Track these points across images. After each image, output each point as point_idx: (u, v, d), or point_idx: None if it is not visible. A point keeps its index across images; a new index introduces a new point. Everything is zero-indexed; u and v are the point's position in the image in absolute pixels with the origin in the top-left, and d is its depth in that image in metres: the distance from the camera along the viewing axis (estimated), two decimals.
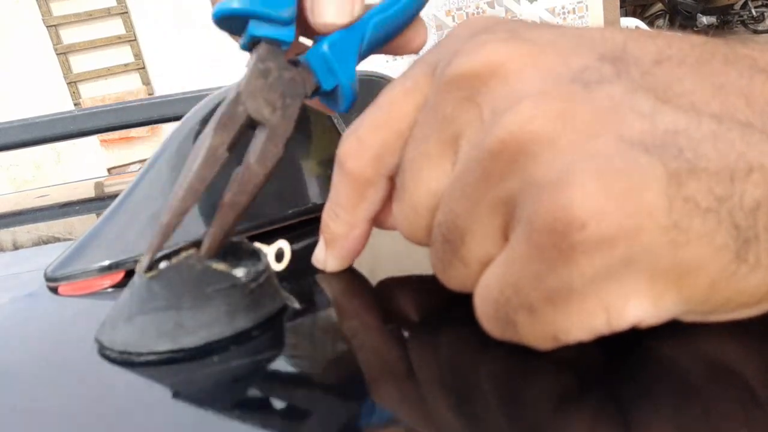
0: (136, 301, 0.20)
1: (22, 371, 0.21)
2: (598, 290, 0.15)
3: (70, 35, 3.03)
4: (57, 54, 3.01)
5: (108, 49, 3.06)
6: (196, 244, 0.21)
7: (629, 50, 0.16)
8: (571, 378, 0.15)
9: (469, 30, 0.20)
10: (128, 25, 3.04)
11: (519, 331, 0.16)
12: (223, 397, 0.17)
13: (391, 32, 0.24)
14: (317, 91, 0.23)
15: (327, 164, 0.33)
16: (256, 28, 0.21)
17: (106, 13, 3.02)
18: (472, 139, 0.18)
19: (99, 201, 0.58)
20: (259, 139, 0.22)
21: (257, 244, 0.22)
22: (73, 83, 3.04)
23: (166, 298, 0.20)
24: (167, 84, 3.01)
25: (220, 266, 0.20)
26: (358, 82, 0.24)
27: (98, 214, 0.40)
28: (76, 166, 2.95)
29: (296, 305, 0.22)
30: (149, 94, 3.03)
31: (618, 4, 3.16)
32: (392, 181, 0.21)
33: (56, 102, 2.87)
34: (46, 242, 0.44)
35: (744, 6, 5.84)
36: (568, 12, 3.12)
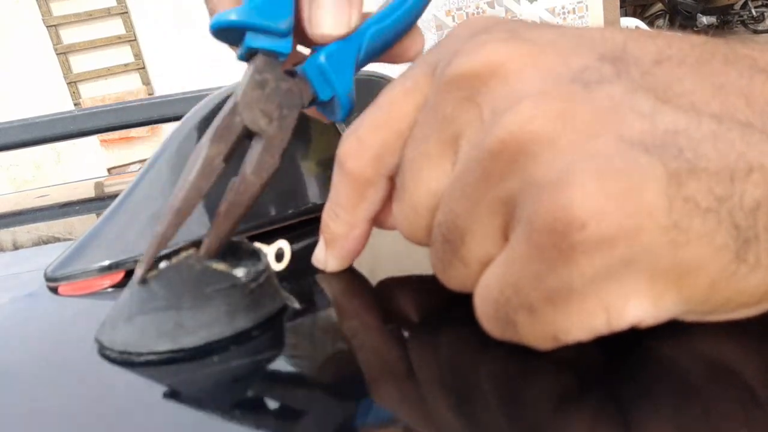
0: (136, 301, 0.20)
1: (22, 371, 0.21)
2: (598, 290, 0.15)
3: (70, 35, 3.03)
4: (57, 54, 3.00)
5: (108, 49, 3.06)
6: (196, 243, 0.21)
7: (629, 50, 0.16)
8: (571, 378, 0.15)
9: (469, 30, 0.20)
10: (128, 25, 3.04)
11: (519, 331, 0.16)
12: (223, 397, 0.17)
13: (388, 41, 0.24)
14: (314, 102, 0.23)
15: (327, 164, 0.33)
16: (253, 40, 0.21)
17: (106, 13, 3.02)
18: (472, 139, 0.18)
19: (99, 201, 0.58)
20: (255, 149, 0.22)
21: (257, 244, 0.22)
22: (73, 83, 3.04)
23: (166, 298, 0.20)
24: (167, 84, 3.01)
25: (220, 266, 0.20)
26: (359, 83, 0.24)
27: (98, 214, 0.40)
28: (76, 166, 2.95)
29: (296, 305, 0.22)
30: (149, 94, 3.03)
31: (618, 4, 3.16)
32: (392, 181, 0.21)
33: (56, 102, 2.87)
34: (46, 242, 0.44)
35: (744, 6, 5.84)
36: (568, 12, 3.12)
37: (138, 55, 3.08)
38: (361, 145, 0.21)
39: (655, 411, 0.13)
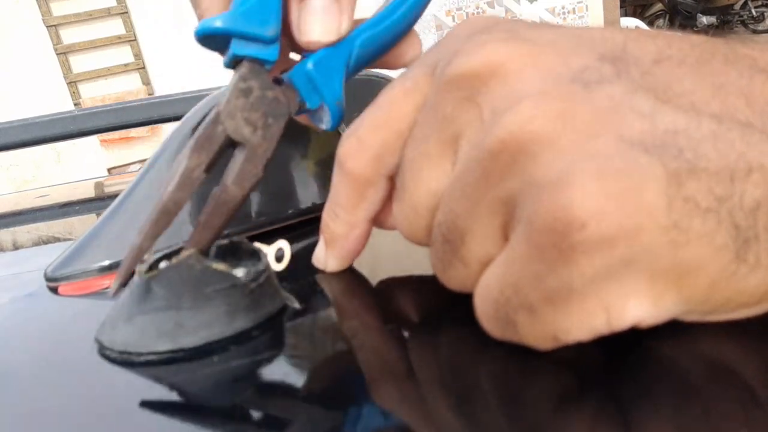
0: (136, 301, 0.20)
1: (22, 371, 0.21)
2: (598, 290, 0.15)
3: (70, 35, 3.02)
4: (57, 54, 3.00)
5: (108, 49, 3.06)
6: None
7: (629, 50, 0.16)
8: (571, 378, 0.15)
9: (468, 30, 0.20)
10: (128, 25, 3.04)
11: (519, 331, 0.16)
12: (223, 397, 0.17)
13: (382, 47, 0.24)
14: (302, 110, 0.23)
15: (327, 164, 0.33)
16: (238, 48, 0.21)
17: (106, 13, 3.01)
18: (472, 139, 0.18)
19: (99, 201, 0.58)
20: (237, 159, 0.21)
21: (257, 244, 0.22)
22: (73, 83, 3.04)
23: (166, 298, 0.20)
24: (167, 84, 3.01)
25: (220, 266, 0.20)
26: (359, 83, 0.24)
27: (98, 214, 0.40)
28: (76, 166, 2.95)
29: (296, 305, 0.22)
30: (149, 94, 3.03)
31: (618, 4, 3.16)
32: (392, 181, 0.21)
33: (56, 102, 2.86)
34: (46, 242, 0.44)
35: (744, 6, 5.84)
36: (568, 12, 3.12)
37: (138, 55, 3.08)
38: (361, 145, 0.21)
39: (655, 411, 0.13)
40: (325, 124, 0.24)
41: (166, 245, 0.21)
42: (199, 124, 0.30)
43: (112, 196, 0.36)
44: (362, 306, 0.23)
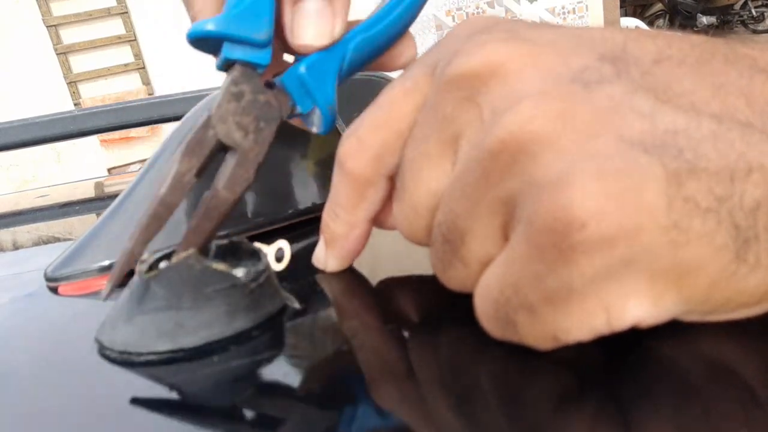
0: (136, 301, 0.20)
1: (22, 371, 0.21)
2: (598, 290, 0.15)
3: (70, 35, 3.02)
4: (57, 54, 3.00)
5: (108, 49, 3.05)
6: None
7: (629, 50, 0.16)
8: (571, 378, 0.15)
9: (468, 30, 0.20)
10: (128, 25, 3.04)
11: (519, 331, 0.16)
12: (223, 397, 0.17)
13: (377, 50, 0.23)
14: (294, 114, 0.23)
15: (327, 164, 0.33)
16: (230, 51, 0.21)
17: (106, 13, 3.01)
18: (472, 139, 0.18)
19: (99, 201, 0.58)
20: (229, 163, 0.21)
21: (257, 244, 0.22)
22: (73, 83, 3.04)
23: (166, 298, 0.20)
24: (167, 84, 3.01)
25: (220, 266, 0.20)
26: (359, 83, 0.24)
27: (98, 214, 0.40)
28: (76, 166, 2.95)
29: (296, 305, 0.22)
30: (149, 94, 3.03)
31: (618, 4, 3.16)
32: (392, 181, 0.21)
33: (56, 102, 2.86)
34: (46, 242, 0.44)
35: (744, 6, 5.84)
36: (568, 12, 3.12)
37: (138, 55, 3.08)
38: (361, 145, 0.21)
39: (655, 411, 0.13)
40: (318, 127, 0.24)
41: (166, 245, 0.21)
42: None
43: (112, 196, 0.36)
44: (362, 306, 0.23)
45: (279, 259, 0.25)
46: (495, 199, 0.16)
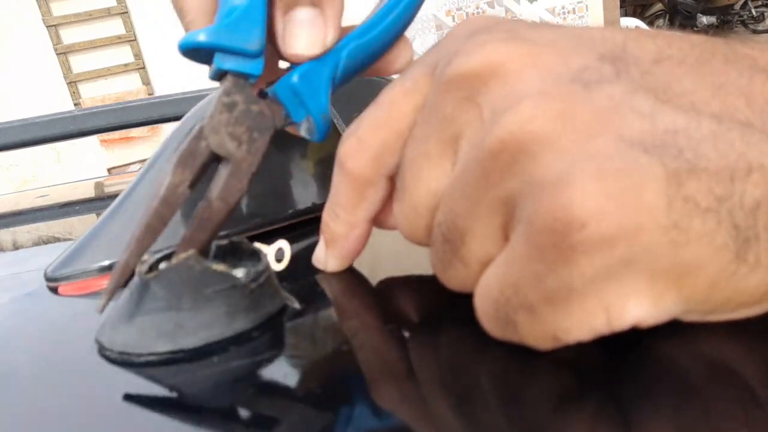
0: (136, 302, 0.20)
1: (22, 371, 0.21)
2: (598, 290, 0.15)
3: (70, 35, 3.02)
4: (57, 54, 3.00)
5: (108, 49, 3.05)
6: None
7: (629, 50, 0.16)
8: (571, 378, 0.15)
9: (468, 30, 0.20)
10: (128, 25, 3.04)
11: (519, 331, 0.16)
12: (223, 397, 0.17)
13: (370, 57, 0.23)
14: (288, 123, 0.23)
15: (327, 164, 0.33)
16: (222, 62, 0.20)
17: (106, 13, 3.01)
18: (472, 139, 0.18)
19: (99, 201, 0.58)
20: (222, 174, 0.21)
21: (257, 244, 0.22)
22: (73, 83, 3.04)
23: (166, 298, 0.20)
24: (167, 84, 3.01)
25: (219, 267, 0.20)
26: (359, 83, 0.24)
27: (98, 214, 0.40)
28: (76, 166, 2.95)
29: (296, 305, 0.22)
30: (149, 94, 3.03)
31: (618, 4, 3.16)
32: (392, 181, 0.21)
33: (56, 102, 2.86)
34: (46, 242, 0.44)
35: (744, 6, 5.83)
36: (568, 12, 3.12)
37: (138, 55, 3.08)
38: (361, 145, 0.21)
39: (655, 411, 0.13)
40: (311, 136, 0.23)
41: (166, 246, 0.21)
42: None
43: (112, 196, 0.36)
44: (362, 306, 0.23)
45: (279, 259, 0.25)
46: (495, 199, 0.16)
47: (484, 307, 0.17)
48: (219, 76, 0.21)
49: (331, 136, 0.24)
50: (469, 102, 0.18)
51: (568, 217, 0.14)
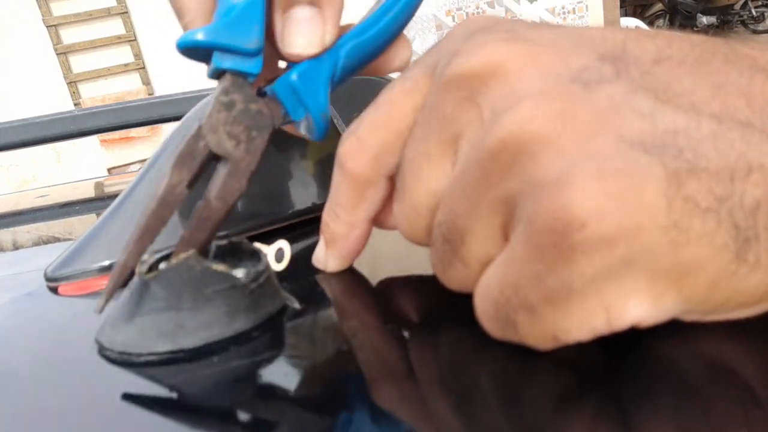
0: (136, 302, 0.20)
1: (22, 371, 0.21)
2: (598, 290, 0.15)
3: (70, 35, 3.02)
4: (57, 54, 3.00)
5: (108, 49, 3.05)
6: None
7: (629, 50, 0.16)
8: (571, 378, 0.15)
9: (468, 30, 0.20)
10: (128, 25, 3.04)
11: (519, 331, 0.16)
12: (223, 397, 0.17)
13: (369, 55, 0.23)
14: (286, 122, 0.22)
15: (327, 164, 0.33)
16: (220, 61, 0.20)
17: (106, 13, 3.01)
18: (472, 139, 0.18)
19: (99, 201, 0.58)
20: (220, 173, 0.21)
21: (257, 244, 0.22)
22: (73, 83, 3.04)
23: (166, 298, 0.20)
24: (167, 84, 3.01)
25: (219, 267, 0.20)
26: (359, 83, 0.24)
27: (98, 214, 0.40)
28: (76, 166, 2.95)
29: (296, 305, 0.22)
30: (149, 94, 3.03)
31: (618, 4, 3.16)
32: (392, 181, 0.21)
33: (56, 102, 2.86)
34: (46, 242, 0.44)
35: (744, 6, 5.83)
36: (568, 12, 3.12)
37: (138, 55, 3.08)
38: (361, 145, 0.21)
39: (655, 411, 0.13)
40: (311, 135, 0.23)
41: (166, 246, 0.21)
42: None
43: (112, 196, 0.36)
44: (362, 306, 0.23)
45: (279, 259, 0.25)
46: (495, 199, 0.16)
47: (484, 307, 0.17)
48: (217, 74, 0.21)
49: (331, 136, 0.24)
50: (469, 102, 0.18)
51: (568, 217, 0.14)
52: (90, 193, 0.65)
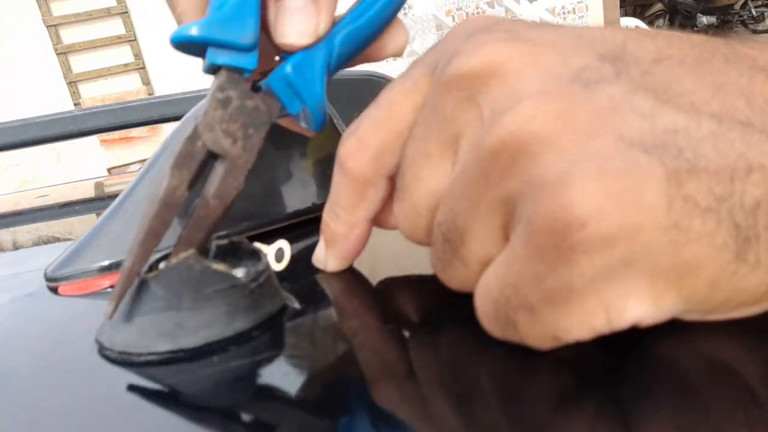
0: (136, 302, 0.20)
1: (22, 371, 0.21)
2: (598, 290, 0.15)
3: (70, 35, 3.02)
4: (57, 54, 3.00)
5: (108, 49, 3.06)
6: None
7: (629, 50, 0.16)
8: (571, 378, 0.15)
9: (468, 30, 0.20)
10: (128, 25, 3.04)
11: (519, 331, 0.16)
12: (223, 397, 0.17)
13: (364, 41, 0.23)
14: (283, 115, 0.22)
15: (327, 164, 0.33)
16: (215, 56, 0.20)
17: (106, 13, 3.01)
18: (472, 139, 0.18)
19: (99, 201, 0.58)
20: (218, 171, 0.21)
21: (257, 244, 0.22)
22: (73, 83, 3.04)
23: (166, 298, 0.20)
24: (167, 84, 3.01)
25: (219, 267, 0.20)
26: (359, 83, 0.24)
27: (98, 214, 0.40)
28: (76, 166, 2.95)
29: (296, 305, 0.22)
30: (149, 94, 3.03)
31: (618, 4, 3.16)
32: (392, 181, 0.21)
33: (56, 102, 2.86)
34: (46, 242, 0.44)
35: (744, 6, 5.83)
36: (568, 12, 3.12)
37: (138, 55, 3.08)
38: (361, 145, 0.21)
39: (655, 411, 0.13)
40: (309, 126, 0.23)
41: (166, 245, 0.21)
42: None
43: (112, 196, 0.36)
44: (362, 306, 0.23)
45: (279, 259, 0.25)
46: (495, 199, 0.16)
47: (484, 307, 0.17)
48: (213, 70, 0.21)
49: (331, 136, 0.24)
50: (469, 102, 0.18)
51: (568, 217, 0.14)
52: (90, 193, 0.65)
